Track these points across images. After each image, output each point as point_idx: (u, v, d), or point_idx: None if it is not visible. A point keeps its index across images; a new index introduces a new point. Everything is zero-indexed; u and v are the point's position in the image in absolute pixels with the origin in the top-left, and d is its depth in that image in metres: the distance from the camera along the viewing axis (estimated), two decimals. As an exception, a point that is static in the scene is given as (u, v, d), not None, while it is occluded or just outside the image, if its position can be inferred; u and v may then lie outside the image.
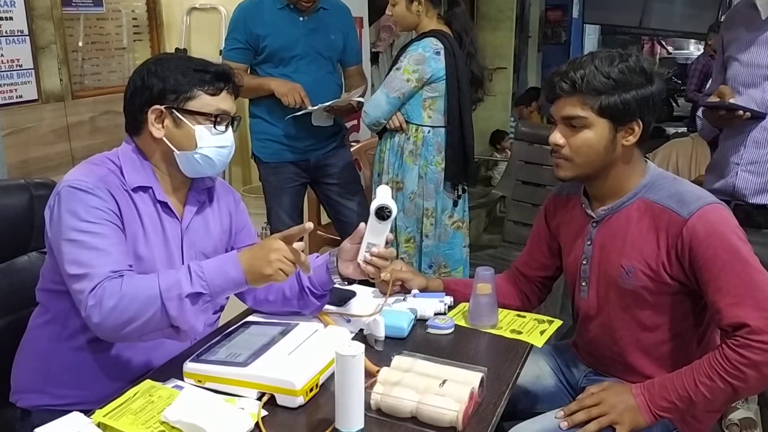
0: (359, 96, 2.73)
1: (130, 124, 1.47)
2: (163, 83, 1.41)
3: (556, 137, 1.48)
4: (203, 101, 1.43)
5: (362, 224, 1.50)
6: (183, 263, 1.47)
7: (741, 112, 1.89)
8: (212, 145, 1.44)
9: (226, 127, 1.46)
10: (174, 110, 1.42)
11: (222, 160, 1.48)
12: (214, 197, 1.58)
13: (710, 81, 2.23)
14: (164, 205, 1.46)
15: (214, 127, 1.44)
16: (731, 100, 1.98)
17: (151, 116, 1.42)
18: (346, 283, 1.55)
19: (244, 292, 1.60)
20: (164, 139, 1.43)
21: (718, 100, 2.01)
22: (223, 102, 1.45)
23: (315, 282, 1.54)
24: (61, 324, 1.44)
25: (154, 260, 1.43)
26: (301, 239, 1.44)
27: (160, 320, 1.28)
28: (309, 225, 1.37)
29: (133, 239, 1.40)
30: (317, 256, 1.60)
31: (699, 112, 2.19)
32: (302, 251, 1.36)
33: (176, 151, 1.44)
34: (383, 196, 1.45)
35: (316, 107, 2.62)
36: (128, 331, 1.29)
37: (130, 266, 1.35)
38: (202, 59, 1.49)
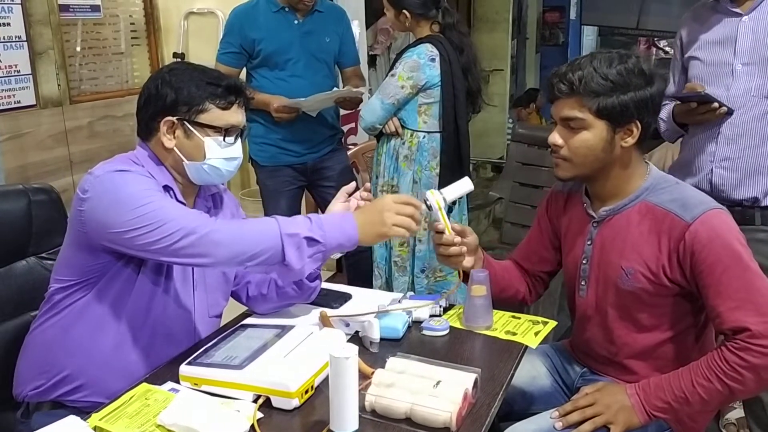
0: (361, 93, 2.74)
1: (142, 129, 1.49)
2: (176, 94, 1.43)
3: (555, 138, 1.49)
4: (214, 114, 1.45)
5: (347, 186, 1.57)
6: (193, 268, 1.49)
7: (717, 104, 1.90)
8: (221, 156, 1.47)
9: (235, 139, 1.49)
10: (185, 122, 1.44)
11: (230, 170, 1.51)
12: (219, 203, 1.62)
13: (670, 84, 2.22)
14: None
15: (224, 139, 1.46)
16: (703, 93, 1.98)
17: (163, 127, 1.44)
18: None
19: (238, 291, 1.63)
20: (175, 148, 1.45)
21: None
22: (233, 116, 1.48)
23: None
24: (76, 315, 1.44)
25: None
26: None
27: (275, 255, 1.31)
28: (424, 206, 1.42)
29: None
30: None
31: (662, 114, 2.17)
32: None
33: (185, 161, 1.46)
34: (449, 189, 1.51)
35: (311, 97, 2.62)
36: (243, 260, 1.32)
37: None
38: (217, 71, 1.51)
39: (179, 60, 1.49)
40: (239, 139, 1.51)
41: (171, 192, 1.47)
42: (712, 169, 1.99)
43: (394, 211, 1.35)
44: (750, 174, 1.95)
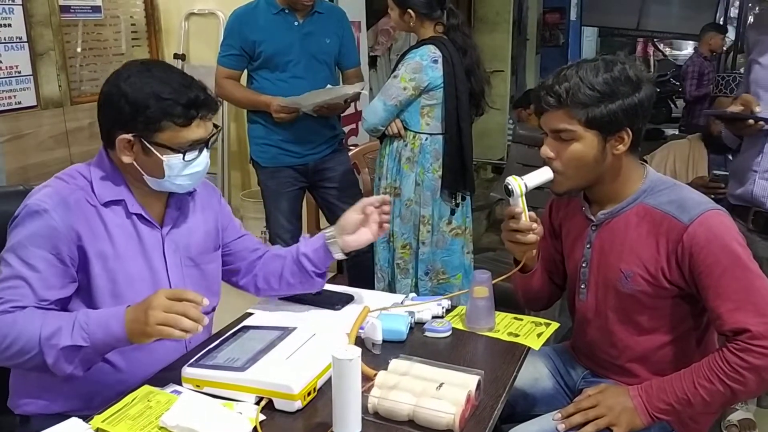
0: (360, 88, 2.73)
1: (104, 138, 1.43)
2: (131, 109, 1.34)
3: (546, 151, 1.48)
4: (172, 133, 1.37)
5: (370, 199, 1.61)
6: (167, 269, 1.48)
7: (752, 121, 1.89)
8: (182, 173, 1.41)
9: (199, 152, 1.42)
10: (142, 139, 1.36)
11: (194, 183, 1.46)
12: (197, 198, 1.58)
13: (742, 87, 2.21)
14: (139, 216, 1.45)
15: (183, 158, 1.39)
16: (757, 109, 1.96)
17: (119, 144, 1.37)
18: (351, 254, 1.64)
19: (246, 284, 1.68)
20: (134, 163, 1.39)
21: (741, 108, 1.99)
22: (195, 132, 1.39)
23: (316, 262, 1.61)
24: None
25: (129, 273, 1.42)
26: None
27: (41, 363, 1.28)
28: (206, 302, 1.28)
29: (100, 257, 1.39)
30: (308, 237, 1.68)
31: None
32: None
33: (145, 176, 1.41)
34: (530, 175, 1.51)
35: (306, 94, 2.62)
36: (13, 365, 1.33)
37: (47, 301, 1.33)
38: (180, 77, 1.40)
39: (140, 62, 1.38)
40: (205, 150, 1.43)
41: (122, 204, 1.43)
42: (755, 180, 1.98)
43: (162, 308, 1.22)
44: None
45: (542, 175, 1.51)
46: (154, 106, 1.34)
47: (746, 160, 2.04)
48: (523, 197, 1.51)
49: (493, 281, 1.57)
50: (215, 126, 1.46)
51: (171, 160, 1.38)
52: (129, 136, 1.36)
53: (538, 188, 1.54)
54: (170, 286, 1.49)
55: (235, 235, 1.67)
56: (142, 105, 1.34)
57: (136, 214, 1.45)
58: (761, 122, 1.90)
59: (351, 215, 1.59)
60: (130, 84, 1.36)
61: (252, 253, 1.67)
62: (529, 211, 1.52)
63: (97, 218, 1.40)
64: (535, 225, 1.52)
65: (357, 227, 1.60)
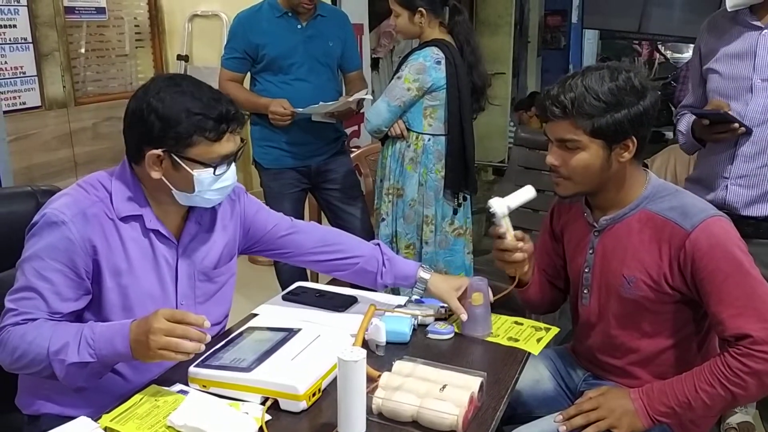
0: (365, 94, 2.75)
1: (130, 152, 1.42)
2: (162, 124, 1.34)
3: (552, 159, 1.49)
4: (203, 149, 1.36)
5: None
6: (177, 286, 1.48)
7: (737, 125, 1.89)
8: (211, 188, 1.40)
9: (228, 165, 1.41)
10: (172, 155, 1.36)
11: (222, 197, 1.46)
12: (219, 212, 1.57)
13: (688, 93, 2.19)
14: (156, 232, 1.45)
15: (214, 173, 1.38)
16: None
17: (148, 160, 1.36)
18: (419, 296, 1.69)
19: (300, 262, 1.72)
20: (162, 178, 1.38)
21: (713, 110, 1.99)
22: (225, 146, 1.38)
23: (395, 282, 1.69)
24: None
25: (141, 288, 1.43)
26: None
27: (52, 375, 1.31)
28: (207, 323, 1.28)
29: (114, 272, 1.40)
30: (387, 251, 1.72)
31: (680, 126, 2.14)
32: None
33: (174, 190, 1.40)
34: (512, 196, 1.56)
35: (314, 107, 2.65)
36: (27, 373, 1.35)
37: (60, 314, 1.35)
38: (210, 93, 1.39)
39: (169, 77, 1.36)
40: (233, 164, 1.43)
41: (140, 220, 1.42)
42: (727, 186, 1.97)
43: (163, 332, 1.22)
44: (766, 192, 1.93)
45: (525, 194, 1.57)
46: (186, 122, 1.34)
47: (714, 168, 2.02)
48: (507, 218, 1.56)
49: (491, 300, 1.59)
50: (242, 140, 1.46)
51: (201, 175, 1.38)
52: (159, 152, 1.36)
53: (540, 191, 1.56)
54: (176, 302, 1.49)
55: (265, 229, 1.66)
56: (174, 120, 1.33)
57: (153, 230, 1.44)
58: (743, 128, 1.90)
59: (450, 283, 1.65)
60: (160, 99, 1.35)
61: (287, 238, 1.67)
62: (515, 230, 1.57)
63: (115, 232, 1.40)
64: (521, 244, 1.57)
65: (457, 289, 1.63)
